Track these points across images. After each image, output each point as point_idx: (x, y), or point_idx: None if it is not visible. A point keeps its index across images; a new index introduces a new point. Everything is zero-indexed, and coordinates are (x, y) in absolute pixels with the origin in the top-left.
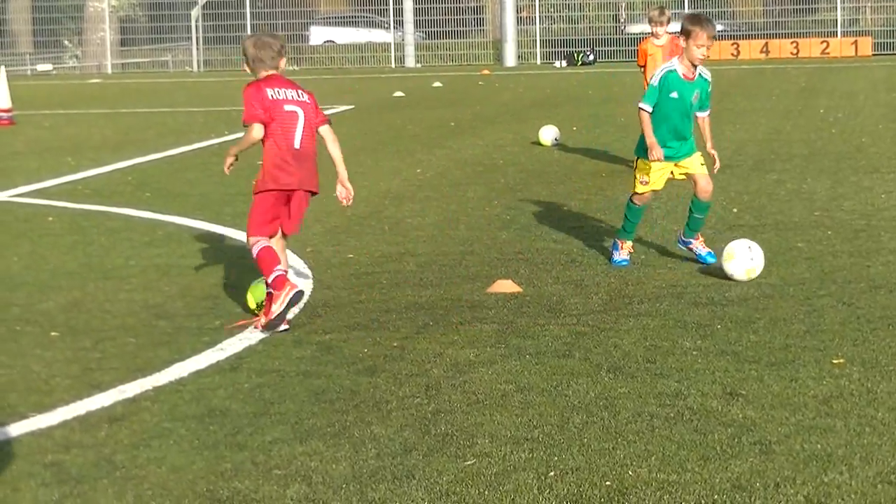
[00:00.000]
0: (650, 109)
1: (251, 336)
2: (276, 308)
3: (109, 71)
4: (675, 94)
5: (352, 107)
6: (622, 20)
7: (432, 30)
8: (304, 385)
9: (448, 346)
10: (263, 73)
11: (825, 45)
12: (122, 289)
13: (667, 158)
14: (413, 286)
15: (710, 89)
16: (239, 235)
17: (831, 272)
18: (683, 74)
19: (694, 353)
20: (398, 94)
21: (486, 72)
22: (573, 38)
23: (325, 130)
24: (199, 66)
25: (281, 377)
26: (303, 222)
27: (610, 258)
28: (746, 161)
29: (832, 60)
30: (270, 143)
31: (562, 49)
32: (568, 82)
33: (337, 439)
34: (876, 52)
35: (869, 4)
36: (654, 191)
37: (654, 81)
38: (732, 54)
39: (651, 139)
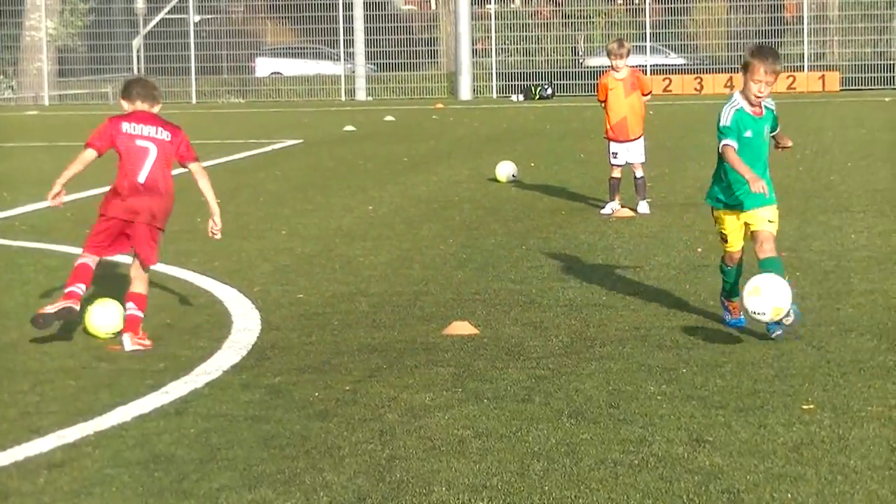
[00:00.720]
0: (735, 144)
1: (196, 379)
2: (49, 308)
3: (47, 102)
4: (749, 134)
5: (300, 141)
6: (580, 53)
7: (384, 61)
8: (252, 430)
9: (403, 389)
10: (131, 108)
11: (791, 79)
12: (61, 329)
13: (737, 206)
14: (366, 327)
15: (775, 115)
16: (183, 274)
17: (800, 314)
18: (752, 111)
19: (659, 397)
20: (349, 127)
21: (439, 105)
22: (530, 70)
23: (194, 167)
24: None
25: (228, 422)
26: (156, 252)
27: (723, 321)
28: None
29: (799, 95)
30: (118, 173)
31: (518, 82)
32: (525, 117)
33: (287, 486)
34: (844, 87)
35: (836, 38)
36: (741, 249)
37: (726, 121)
38: (696, 89)
39: (749, 172)
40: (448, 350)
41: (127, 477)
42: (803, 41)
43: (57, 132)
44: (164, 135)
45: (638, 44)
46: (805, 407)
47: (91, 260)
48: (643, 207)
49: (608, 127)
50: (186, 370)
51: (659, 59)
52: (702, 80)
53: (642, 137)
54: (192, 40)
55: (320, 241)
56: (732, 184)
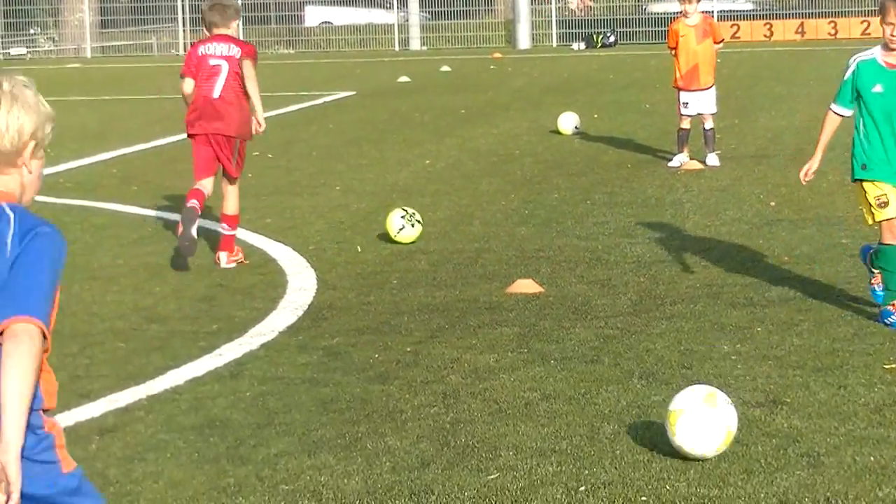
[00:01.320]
0: (844, 111)
1: (251, 341)
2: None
3: (89, 55)
4: (878, 89)
5: (353, 93)
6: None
7: (438, 9)
8: (310, 393)
9: (466, 350)
10: (214, 32)
11: (866, 24)
12: (109, 290)
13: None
14: (426, 286)
15: None
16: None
17: None
18: (885, 62)
19: (733, 357)
20: (403, 78)
21: (497, 55)
22: (592, 18)
23: (246, 64)
24: (186, 50)
25: (285, 385)
26: (238, 164)
27: (882, 320)
28: (784, 151)
29: (874, 41)
30: (195, 91)
31: (580, 30)
32: (587, 66)
33: (348, 452)
34: None
35: None
36: None
37: (845, 75)
38: (765, 35)
39: (819, 150)
40: (512, 309)
41: (181, 442)
42: None
43: (99, 86)
44: (235, 51)
45: None
46: (887, 366)
47: (201, 185)
48: (712, 160)
49: (678, 75)
50: (240, 332)
51: (726, 5)
52: (772, 25)
53: (713, 87)
54: None
55: (376, 198)
56: (886, 151)
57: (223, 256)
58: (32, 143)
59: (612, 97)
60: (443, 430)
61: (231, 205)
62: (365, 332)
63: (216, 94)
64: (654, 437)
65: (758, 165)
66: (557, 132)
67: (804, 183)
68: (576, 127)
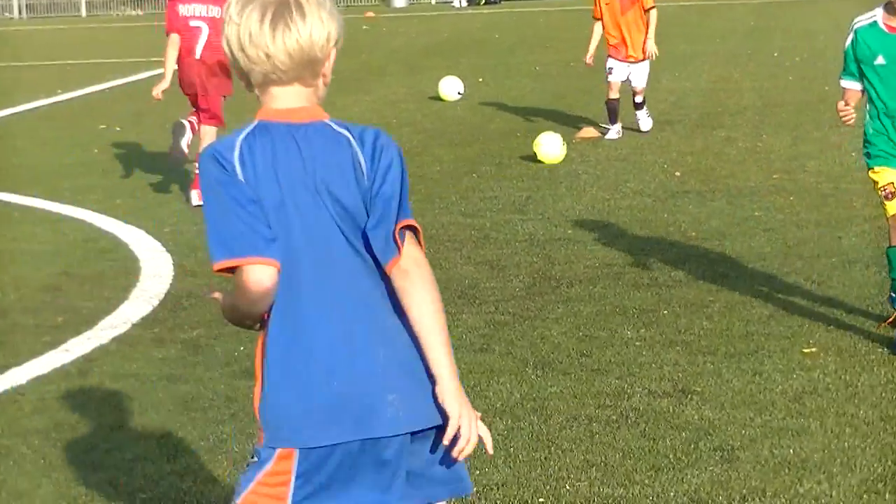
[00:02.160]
0: (855, 86)
1: (101, 334)
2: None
3: None
4: (881, 60)
5: None
6: None
7: None
8: (169, 391)
9: None
10: None
11: None
12: None
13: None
14: None
15: None
16: (81, 214)
17: (796, 245)
18: (888, 25)
19: (637, 343)
20: None
21: (370, 14)
22: None
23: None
24: (20, 11)
25: (141, 382)
26: (218, 118)
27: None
28: (689, 115)
29: None
30: (181, 51)
31: None
32: (469, 25)
33: (213, 455)
34: None
35: None
36: None
37: (845, 45)
38: None
39: (842, 106)
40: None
41: (25, 448)
42: None
43: None
44: (215, 11)
45: None
46: (806, 351)
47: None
48: (645, 123)
49: (609, 45)
50: (89, 324)
51: None
52: None
53: (647, 60)
54: None
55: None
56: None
57: (194, 195)
58: (335, 52)
59: (498, 59)
60: None
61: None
62: (229, 323)
63: (198, 54)
64: (551, 433)
65: (660, 132)
66: (439, 98)
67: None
68: (459, 92)
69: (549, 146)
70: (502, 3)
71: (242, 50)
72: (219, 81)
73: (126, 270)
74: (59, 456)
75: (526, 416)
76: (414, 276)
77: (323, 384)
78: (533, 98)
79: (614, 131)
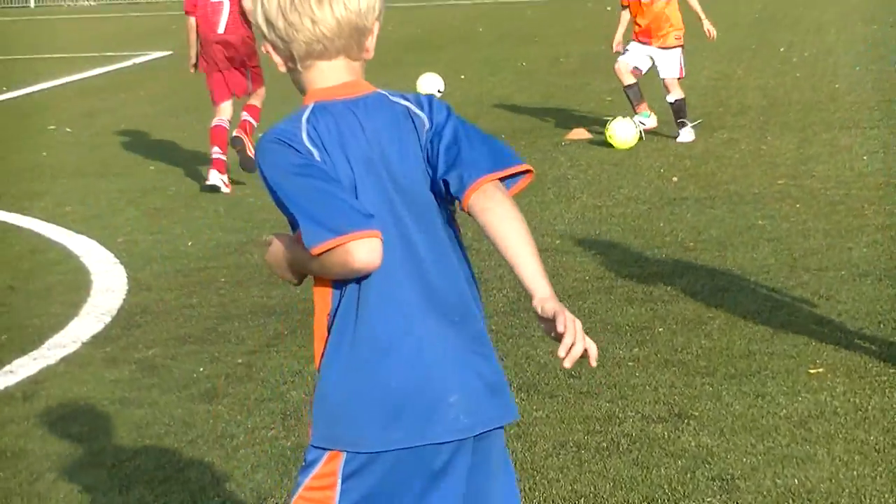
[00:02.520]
0: None
1: (49, 354)
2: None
3: None
4: None
5: (169, 53)
6: None
7: None
8: (122, 416)
9: (309, 361)
10: None
11: None
12: None
13: None
14: (260, 284)
15: None
16: (27, 222)
17: (802, 257)
18: None
19: (630, 363)
20: None
21: None
22: None
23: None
24: None
25: (91, 406)
26: (247, 82)
27: None
28: (688, 115)
29: None
30: (201, 28)
31: None
32: (451, 16)
33: (168, 486)
34: None
35: None
36: None
37: None
38: None
39: None
40: None
41: None
42: None
43: None
44: None
45: None
46: (812, 371)
47: (223, 119)
48: (686, 134)
49: (635, 32)
50: (36, 343)
51: None
52: None
53: (679, 48)
54: None
55: (199, 178)
56: None
57: (213, 175)
58: (378, 25)
59: (481, 54)
60: (283, 458)
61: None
62: (187, 342)
63: (220, 29)
64: (536, 461)
65: (657, 134)
66: None
67: None
68: (439, 90)
69: (623, 131)
70: None
71: (284, 16)
72: (245, 54)
73: (76, 284)
74: (0, 486)
75: (509, 442)
76: (499, 196)
77: (386, 378)
78: (519, 97)
79: (648, 118)
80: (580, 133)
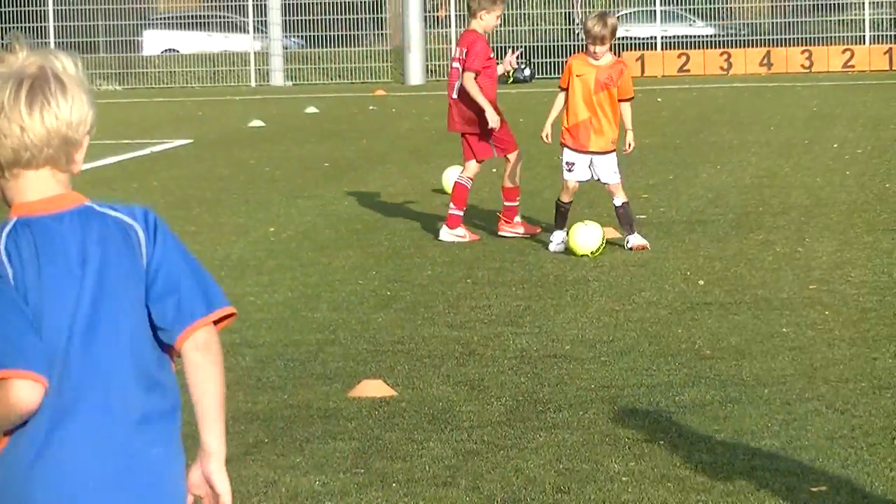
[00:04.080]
0: None
1: None
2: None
3: None
4: None
5: (188, 141)
6: (578, 20)
7: (314, 34)
8: None
9: (287, 471)
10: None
11: (849, 55)
12: None
13: None
14: (247, 389)
15: None
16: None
17: (823, 367)
18: None
19: (624, 478)
20: (255, 122)
21: (380, 92)
22: (505, 44)
23: (465, 75)
24: None
25: None
26: (483, 149)
27: None
28: (725, 215)
29: (857, 76)
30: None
31: None
32: None
33: None
34: None
35: None
36: None
37: None
38: (722, 68)
39: None
40: (353, 418)
41: None
42: (864, 3)
43: None
44: (462, 52)
45: (647, 8)
46: (814, 489)
47: (466, 178)
48: (635, 240)
49: (563, 129)
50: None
51: (679, 29)
52: (730, 56)
53: (614, 152)
54: (50, 7)
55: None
56: None
57: (444, 232)
58: (87, 139)
59: (519, 146)
60: None
61: (507, 178)
62: None
63: (455, 94)
64: None
65: (690, 234)
66: (442, 191)
67: None
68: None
69: (585, 236)
70: (533, 81)
71: None
72: (473, 119)
73: None
74: None
75: None
76: (212, 352)
77: None
78: (549, 194)
79: (559, 240)
80: (607, 232)
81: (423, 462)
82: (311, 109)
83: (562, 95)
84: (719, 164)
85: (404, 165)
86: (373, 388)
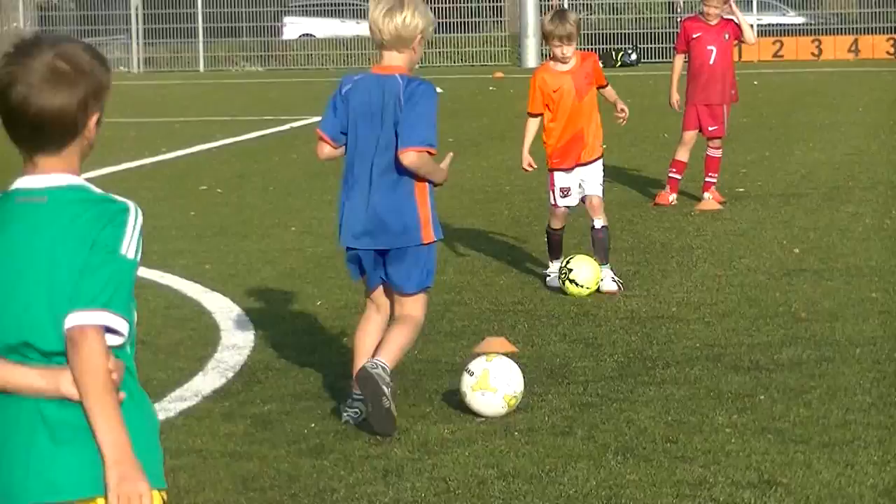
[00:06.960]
0: None
1: (169, 407)
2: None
3: None
4: None
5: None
6: (679, 8)
7: (438, 20)
8: (230, 469)
9: (418, 420)
10: None
11: None
12: None
13: None
14: None
15: None
16: (167, 279)
17: None
18: None
19: (727, 430)
20: None
21: (499, 74)
22: (613, 31)
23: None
24: (138, 66)
25: (202, 459)
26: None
27: None
28: (818, 189)
29: None
30: None
31: (597, 46)
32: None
33: None
34: None
35: None
36: None
37: None
38: (813, 54)
39: None
40: None
41: None
42: None
43: None
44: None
45: None
46: None
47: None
48: (608, 283)
49: (551, 151)
50: (158, 396)
51: (773, 17)
52: (821, 42)
53: (601, 159)
54: None
55: (335, 240)
56: None
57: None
58: (420, 36)
59: (627, 125)
60: None
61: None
62: (303, 398)
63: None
64: None
65: (785, 206)
66: None
67: None
68: None
69: (582, 272)
70: (639, 64)
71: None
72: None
73: (204, 340)
74: None
75: None
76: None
77: None
78: (655, 168)
79: (554, 272)
80: (710, 204)
81: (543, 413)
82: (437, 90)
83: (533, 121)
84: (811, 143)
85: (521, 142)
86: (496, 345)
